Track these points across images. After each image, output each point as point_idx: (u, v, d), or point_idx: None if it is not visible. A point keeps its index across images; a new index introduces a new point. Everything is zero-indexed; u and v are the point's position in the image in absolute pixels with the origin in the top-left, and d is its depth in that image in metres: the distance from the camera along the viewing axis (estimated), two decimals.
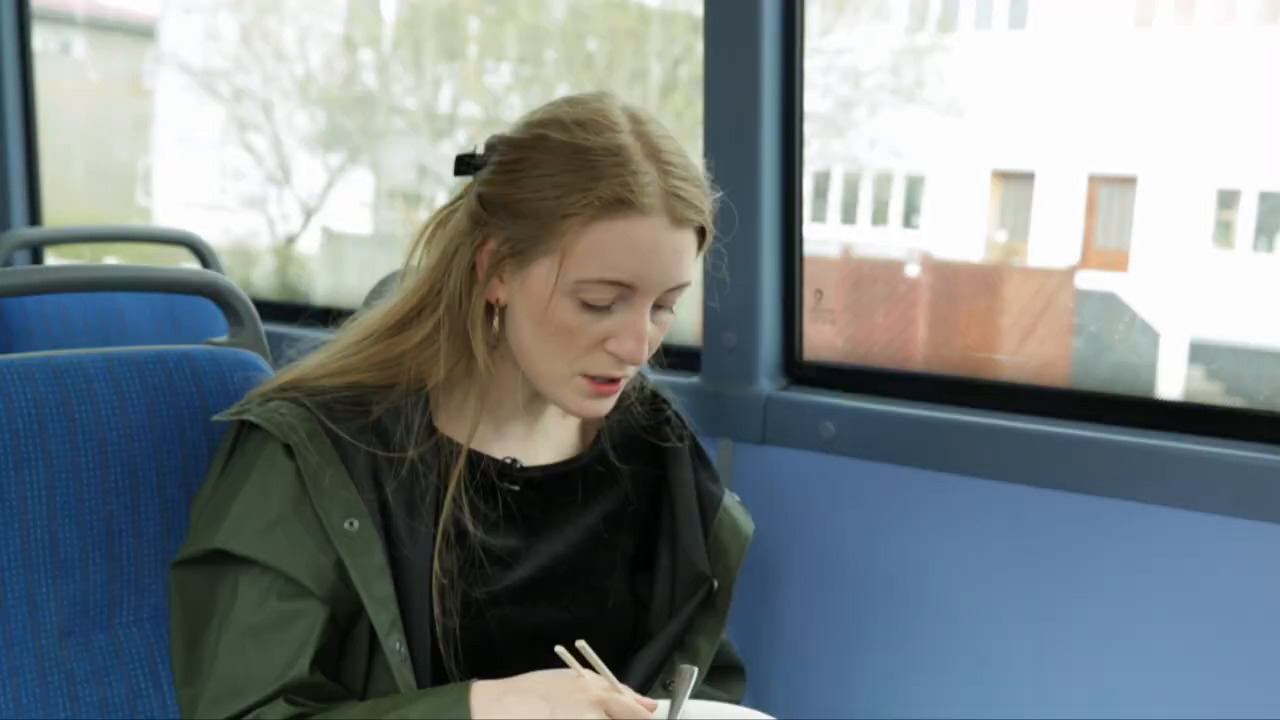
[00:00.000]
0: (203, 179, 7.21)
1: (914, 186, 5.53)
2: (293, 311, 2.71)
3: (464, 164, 1.33)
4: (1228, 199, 4.70)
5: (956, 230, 5.37)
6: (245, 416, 1.27)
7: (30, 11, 3.27)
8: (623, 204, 1.22)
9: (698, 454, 1.46)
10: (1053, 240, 4.98)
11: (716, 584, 1.41)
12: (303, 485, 1.24)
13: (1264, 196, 4.64)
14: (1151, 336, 4.47)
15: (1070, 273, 4.72)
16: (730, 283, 2.12)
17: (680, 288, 1.28)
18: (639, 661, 1.37)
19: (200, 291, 1.54)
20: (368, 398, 1.28)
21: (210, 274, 1.55)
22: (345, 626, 1.25)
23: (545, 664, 1.28)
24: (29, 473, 1.29)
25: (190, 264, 2.82)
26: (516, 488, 1.34)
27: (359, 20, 7.16)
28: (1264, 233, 4.63)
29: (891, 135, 5.49)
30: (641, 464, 1.43)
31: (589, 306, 1.25)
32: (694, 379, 2.19)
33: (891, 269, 5.15)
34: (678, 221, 1.24)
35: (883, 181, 5.48)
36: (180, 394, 1.39)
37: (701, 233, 1.29)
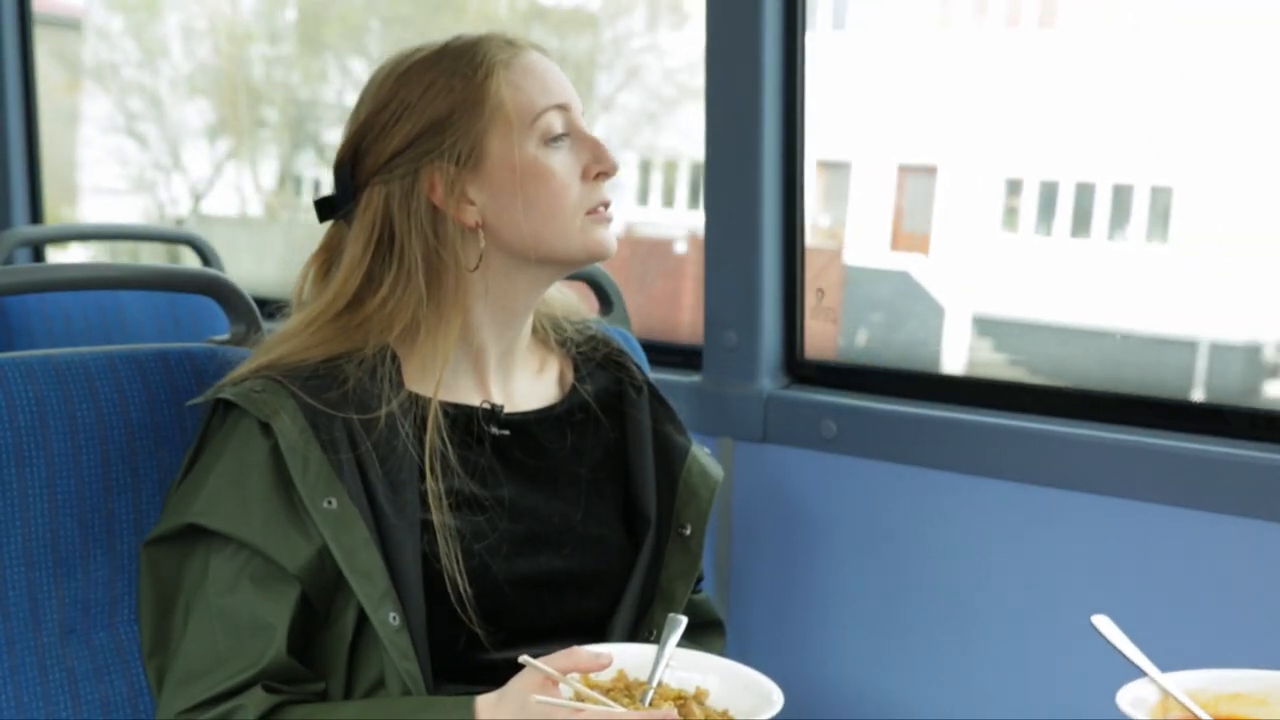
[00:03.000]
0: (104, 167, 7.49)
1: None
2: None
3: (327, 206, 1.38)
4: (1015, 187, 5.23)
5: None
6: (221, 395, 1.28)
7: (32, 11, 3.26)
8: (510, 45, 1.35)
9: (657, 401, 1.48)
10: (867, 225, 5.48)
11: (690, 529, 1.43)
12: (279, 462, 1.24)
13: (1044, 185, 5.13)
14: (938, 312, 4.98)
15: (836, 252, 5.07)
16: (731, 281, 2.12)
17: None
18: (620, 615, 1.38)
19: (202, 290, 1.54)
20: (342, 367, 1.29)
21: (212, 272, 1.54)
22: (323, 606, 1.24)
23: (554, 612, 1.31)
24: (31, 471, 1.29)
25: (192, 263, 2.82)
26: (507, 432, 1.36)
27: (222, 16, 7.27)
28: (1044, 218, 5.12)
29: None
30: (617, 415, 1.45)
31: (553, 140, 1.33)
32: (695, 378, 2.19)
33: (663, 246, 5.79)
34: (542, 52, 1.37)
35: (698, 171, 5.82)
36: (182, 392, 1.39)
37: None
